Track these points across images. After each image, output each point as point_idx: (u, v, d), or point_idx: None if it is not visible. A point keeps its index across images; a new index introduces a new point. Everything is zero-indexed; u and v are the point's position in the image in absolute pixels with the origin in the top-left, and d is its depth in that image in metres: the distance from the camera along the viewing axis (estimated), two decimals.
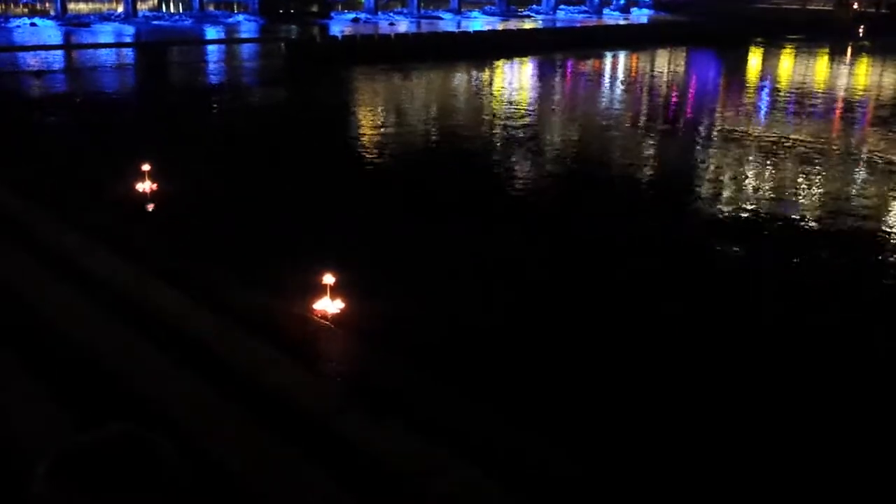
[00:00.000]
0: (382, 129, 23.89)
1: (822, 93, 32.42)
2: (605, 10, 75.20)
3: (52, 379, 6.73)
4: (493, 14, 73.60)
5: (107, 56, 38.73)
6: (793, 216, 15.01)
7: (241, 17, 66.05)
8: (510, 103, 29.02)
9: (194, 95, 29.41)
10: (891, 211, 15.86)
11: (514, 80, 37.37)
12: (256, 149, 19.59)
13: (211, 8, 68.79)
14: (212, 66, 39.20)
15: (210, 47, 45.15)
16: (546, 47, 45.23)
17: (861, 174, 18.86)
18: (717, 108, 29.40)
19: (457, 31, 54.06)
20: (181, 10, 67.15)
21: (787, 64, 43.97)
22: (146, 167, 13.78)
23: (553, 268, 11.95)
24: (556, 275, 11.69)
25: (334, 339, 8.41)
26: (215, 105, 28.05)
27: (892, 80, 37.73)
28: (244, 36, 53.48)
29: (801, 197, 16.74)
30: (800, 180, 18.01)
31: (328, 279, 9.09)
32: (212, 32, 55.10)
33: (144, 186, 13.81)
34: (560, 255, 12.56)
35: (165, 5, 67.98)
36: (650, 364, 8.71)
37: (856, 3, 66.41)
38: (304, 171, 17.26)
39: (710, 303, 10.77)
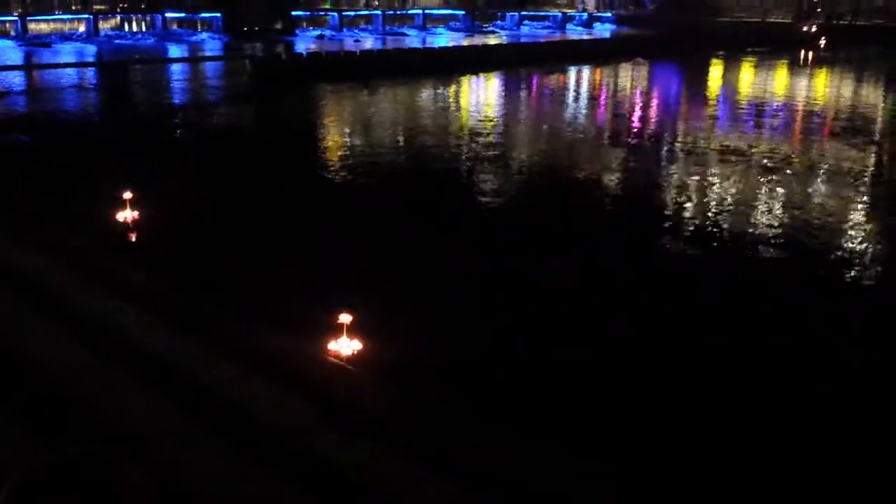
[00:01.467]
0: (351, 148, 23.86)
1: (780, 104, 33.03)
2: (569, 26, 76.08)
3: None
4: (457, 30, 74.13)
5: (68, 76, 38.28)
6: (740, 218, 15.27)
7: (204, 35, 65.77)
8: (477, 118, 29.17)
9: (157, 115, 29.13)
10: (829, 212, 16.17)
11: (481, 95, 37.59)
12: (223, 170, 19.40)
13: (174, 26, 68.41)
14: (176, 85, 38.90)
15: (174, 66, 44.85)
16: (511, 62, 45.64)
17: (813, 180, 19.20)
18: (678, 120, 29.83)
19: (422, 47, 54.30)
20: (144, 29, 66.68)
21: (747, 76, 44.76)
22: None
23: (517, 273, 12.02)
24: (522, 281, 11.75)
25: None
26: (179, 124, 27.80)
27: (849, 91, 38.63)
28: (208, 54, 53.20)
29: (752, 200, 16.99)
30: (753, 185, 18.30)
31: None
32: (175, 50, 54.78)
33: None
34: (530, 262, 12.64)
35: (128, 24, 67.45)
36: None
37: (815, 16, 67.83)
38: (274, 191, 17.22)
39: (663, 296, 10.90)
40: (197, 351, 7.69)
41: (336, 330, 7.58)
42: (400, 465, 5.84)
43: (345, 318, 7.50)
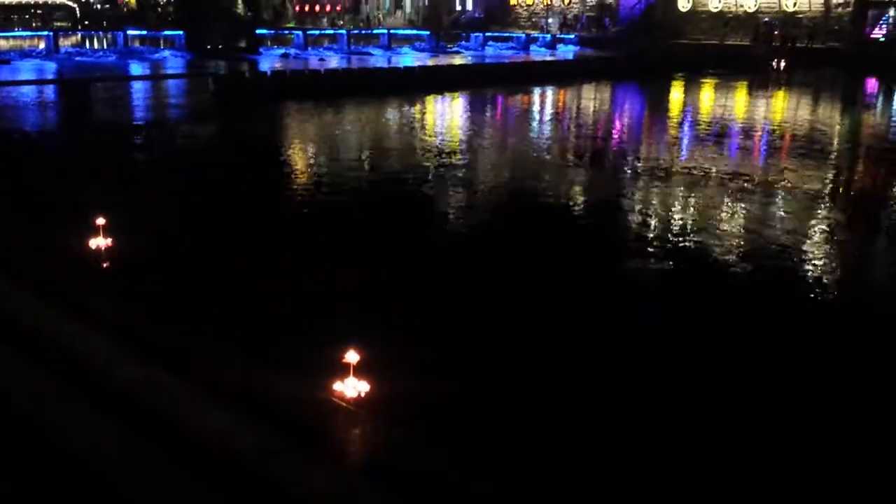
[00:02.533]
0: (316, 167, 23.75)
1: (740, 125, 33.62)
2: (533, 47, 76.82)
3: None
4: (423, 50, 74.46)
5: (26, 93, 37.63)
6: (698, 238, 15.46)
7: (167, 53, 65.23)
8: (443, 137, 29.25)
9: (118, 133, 28.70)
10: (784, 231, 16.43)
11: (446, 115, 37.72)
12: (185, 192, 19.16)
13: (136, 44, 67.77)
14: (138, 102, 38.47)
15: (136, 83, 44.34)
16: (476, 82, 45.94)
17: (771, 201, 19.51)
18: (641, 141, 30.24)
19: (388, 66, 54.43)
20: (105, 46, 65.95)
21: (707, 97, 45.57)
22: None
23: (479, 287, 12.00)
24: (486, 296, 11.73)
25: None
26: (140, 143, 27.42)
27: (806, 112, 39.48)
28: (171, 71, 52.72)
29: (709, 220, 17.21)
30: (716, 203, 18.53)
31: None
32: (137, 68, 54.19)
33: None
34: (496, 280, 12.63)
35: (89, 41, 66.67)
36: None
37: (772, 39, 69.36)
38: (239, 214, 17.08)
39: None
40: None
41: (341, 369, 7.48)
42: None
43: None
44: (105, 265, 11.60)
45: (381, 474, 6.19)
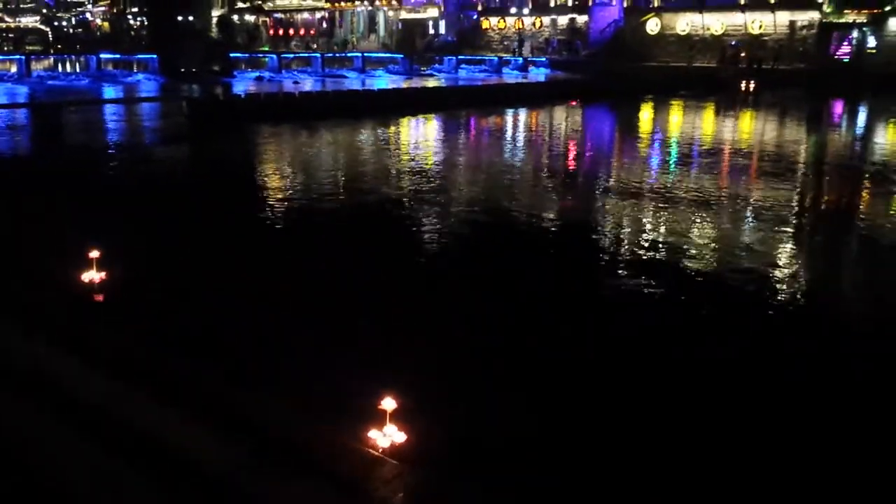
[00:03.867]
0: (290, 190, 23.90)
1: (709, 144, 34.31)
2: (505, 70, 77.73)
3: None
4: (396, 73, 75.07)
5: None
6: (663, 252, 15.86)
7: (140, 76, 65.21)
8: (417, 159, 29.58)
9: (90, 157, 28.69)
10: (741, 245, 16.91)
11: (420, 138, 38.11)
12: (157, 216, 19.22)
13: (109, 67, 67.67)
14: (111, 126, 38.46)
15: (109, 107, 44.33)
16: (450, 105, 46.46)
17: (739, 215, 20.03)
18: (612, 161, 30.81)
19: (362, 89, 54.86)
20: (78, 70, 65.78)
21: (676, 118, 46.42)
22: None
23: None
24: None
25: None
26: (113, 167, 27.46)
27: (772, 131, 40.38)
28: (144, 95, 52.74)
29: (685, 234, 17.64)
30: (686, 221, 18.99)
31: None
32: (110, 92, 54.13)
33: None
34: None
35: (62, 65, 66.50)
36: None
37: (739, 61, 70.77)
38: (208, 237, 17.23)
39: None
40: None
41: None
42: None
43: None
44: (86, 294, 11.67)
45: None
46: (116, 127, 38.49)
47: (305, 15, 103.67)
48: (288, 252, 16.29)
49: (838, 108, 53.61)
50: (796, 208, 21.93)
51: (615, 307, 13.18)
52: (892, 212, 22.11)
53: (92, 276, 10.93)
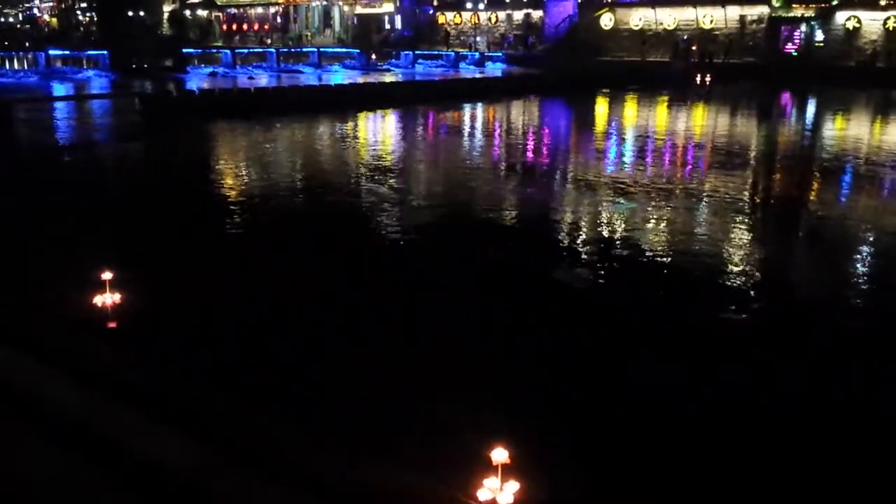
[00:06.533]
0: (246, 187, 23.72)
1: (664, 137, 34.90)
2: (462, 65, 77.80)
3: None
4: (353, 68, 74.70)
5: None
6: (615, 240, 16.19)
7: (91, 73, 63.92)
8: (376, 154, 29.57)
9: (40, 156, 28.14)
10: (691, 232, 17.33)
11: (378, 132, 38.08)
12: (110, 217, 18.96)
13: (59, 64, 66.19)
14: (61, 123, 37.71)
15: (59, 104, 43.42)
16: (407, 100, 46.42)
17: (694, 205, 20.49)
18: (570, 154, 31.19)
19: (318, 84, 54.50)
20: (26, 67, 64.24)
21: (630, 111, 47.04)
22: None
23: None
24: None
25: None
26: (62, 165, 26.98)
27: (724, 122, 41.20)
28: (95, 91, 51.76)
29: (631, 222, 18.00)
30: (644, 212, 19.37)
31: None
32: (60, 89, 53.01)
33: None
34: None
35: (9, 62, 64.86)
36: None
37: (691, 55, 71.86)
38: (160, 237, 17.08)
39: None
40: None
41: None
42: None
43: None
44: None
45: None
46: (68, 124, 37.75)
47: (259, 10, 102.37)
48: (246, 253, 16.23)
49: (787, 99, 54.84)
50: (747, 194, 22.47)
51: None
52: (837, 195, 22.82)
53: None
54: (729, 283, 14.22)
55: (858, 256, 16.53)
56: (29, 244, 15.34)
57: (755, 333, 11.93)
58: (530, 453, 6.69)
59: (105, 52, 65.83)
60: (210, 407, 7.28)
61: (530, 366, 10.39)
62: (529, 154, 30.83)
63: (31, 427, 6.75)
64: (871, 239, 17.71)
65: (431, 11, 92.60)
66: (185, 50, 71.56)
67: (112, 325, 10.12)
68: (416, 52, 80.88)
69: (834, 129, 38.00)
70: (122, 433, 6.62)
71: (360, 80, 58.15)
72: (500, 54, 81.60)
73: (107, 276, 10.14)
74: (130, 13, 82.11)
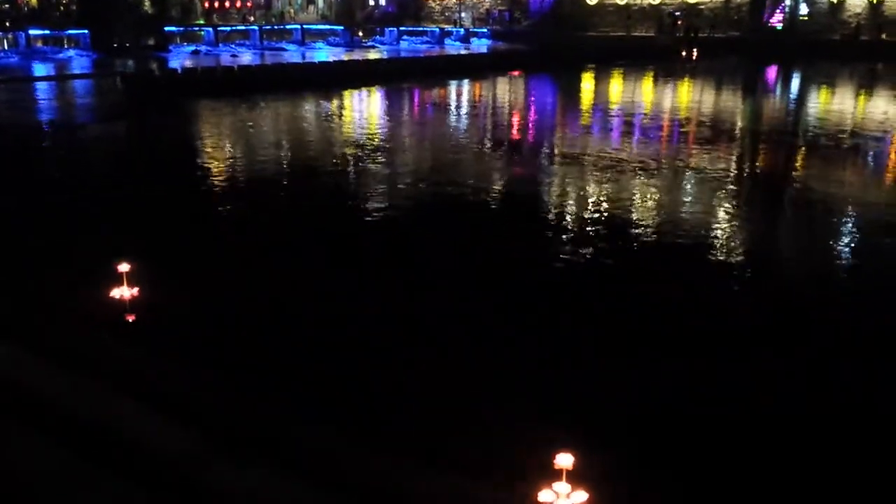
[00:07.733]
0: (231, 166, 23.57)
1: (651, 111, 34.94)
2: (447, 41, 77.44)
3: None
4: (337, 45, 74.16)
5: None
6: (604, 215, 16.26)
7: (72, 53, 63.11)
8: (361, 132, 29.45)
9: (21, 136, 27.79)
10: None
11: (364, 109, 37.88)
12: (94, 198, 18.77)
13: (39, 44, 65.24)
14: (43, 104, 37.27)
15: (40, 84, 42.93)
16: (392, 77, 46.16)
17: (680, 179, 20.57)
18: (556, 129, 31.19)
19: (302, 61, 54.07)
20: (6, 47, 63.30)
21: (617, 87, 47.01)
22: None
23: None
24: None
25: None
26: (45, 146, 26.70)
27: (710, 97, 41.27)
28: (77, 71, 51.13)
29: (617, 195, 18.07)
30: (630, 186, 19.43)
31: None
32: (41, 69, 52.34)
33: None
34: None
35: None
36: None
37: (676, 30, 71.79)
38: (144, 217, 16.99)
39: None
40: None
41: None
42: None
43: None
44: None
45: None
46: (49, 105, 37.32)
47: None
48: (237, 238, 16.17)
49: (772, 73, 54.90)
50: (733, 169, 22.58)
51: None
52: (821, 169, 22.98)
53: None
54: (713, 256, 14.34)
55: (846, 230, 16.72)
56: (8, 231, 15.23)
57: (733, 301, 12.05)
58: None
59: (86, 31, 64.90)
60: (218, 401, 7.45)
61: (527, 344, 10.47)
62: (516, 129, 30.79)
63: (28, 418, 6.75)
64: (857, 212, 17.88)
65: None
66: (166, 28, 70.65)
67: (109, 318, 10.02)
68: (401, 28, 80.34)
69: (818, 103, 38.15)
70: (118, 423, 6.64)
71: (345, 57, 57.75)
72: (486, 30, 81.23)
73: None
74: None
